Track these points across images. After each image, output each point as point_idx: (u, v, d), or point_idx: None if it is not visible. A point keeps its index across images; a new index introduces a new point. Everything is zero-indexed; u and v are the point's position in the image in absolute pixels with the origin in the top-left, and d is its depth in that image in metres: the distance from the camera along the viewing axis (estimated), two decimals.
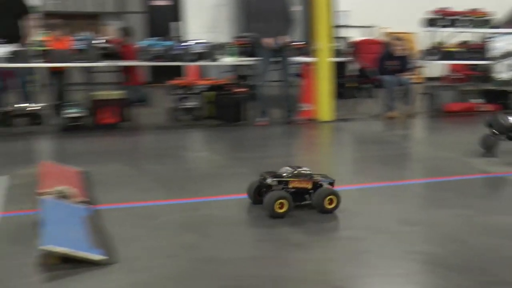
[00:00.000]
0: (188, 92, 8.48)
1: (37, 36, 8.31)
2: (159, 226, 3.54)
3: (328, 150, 7.17)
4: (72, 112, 7.72)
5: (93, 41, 7.98)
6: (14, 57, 7.41)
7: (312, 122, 8.32)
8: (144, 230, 3.48)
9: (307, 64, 8.63)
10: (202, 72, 10.94)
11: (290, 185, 3.77)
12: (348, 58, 10.88)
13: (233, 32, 13.63)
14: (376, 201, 4.17)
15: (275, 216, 3.60)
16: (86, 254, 2.88)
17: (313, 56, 8.52)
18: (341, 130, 8.08)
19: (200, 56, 8.08)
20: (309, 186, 3.81)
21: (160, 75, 10.29)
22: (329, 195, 3.74)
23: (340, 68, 9.76)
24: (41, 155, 6.59)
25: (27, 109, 7.97)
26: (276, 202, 3.60)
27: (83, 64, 7.97)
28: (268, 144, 7.09)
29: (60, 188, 3.76)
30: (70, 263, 2.83)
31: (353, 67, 11.15)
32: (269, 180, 3.75)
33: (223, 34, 12.79)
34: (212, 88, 8.64)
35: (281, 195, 3.65)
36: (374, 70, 9.43)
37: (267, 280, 2.72)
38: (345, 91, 10.19)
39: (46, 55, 7.62)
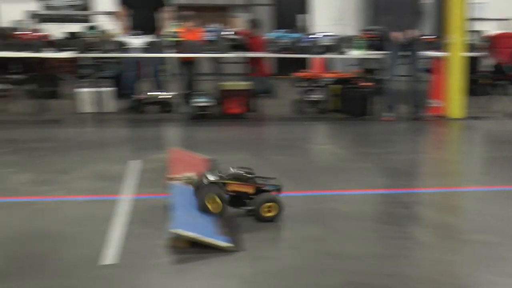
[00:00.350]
0: (314, 85, 8.48)
1: (171, 27, 8.66)
2: (283, 217, 3.53)
3: (456, 149, 6.85)
4: (200, 101, 7.96)
5: (222, 33, 8.18)
6: (149, 47, 7.76)
7: (441, 119, 8.00)
8: None
9: (437, 58, 8.30)
10: (327, 65, 10.87)
11: (229, 188, 3.45)
12: (482, 53, 10.34)
13: (360, 25, 13.41)
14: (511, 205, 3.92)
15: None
16: (213, 240, 2.95)
17: (445, 51, 8.18)
18: (472, 128, 7.69)
19: (328, 49, 8.03)
20: (251, 190, 3.47)
21: (286, 67, 10.35)
22: (268, 202, 3.41)
23: (473, 63, 9.31)
24: (170, 141, 6.85)
25: (159, 97, 8.37)
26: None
27: (212, 55, 8.20)
28: (393, 140, 6.90)
29: (188, 174, 3.87)
30: (197, 248, 2.91)
31: (488, 63, 10.59)
32: (205, 181, 3.44)
33: (350, 27, 12.62)
34: (338, 81, 8.59)
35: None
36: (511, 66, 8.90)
37: (394, 279, 2.63)
38: (478, 87, 9.70)
39: (178, 46, 7.91)
